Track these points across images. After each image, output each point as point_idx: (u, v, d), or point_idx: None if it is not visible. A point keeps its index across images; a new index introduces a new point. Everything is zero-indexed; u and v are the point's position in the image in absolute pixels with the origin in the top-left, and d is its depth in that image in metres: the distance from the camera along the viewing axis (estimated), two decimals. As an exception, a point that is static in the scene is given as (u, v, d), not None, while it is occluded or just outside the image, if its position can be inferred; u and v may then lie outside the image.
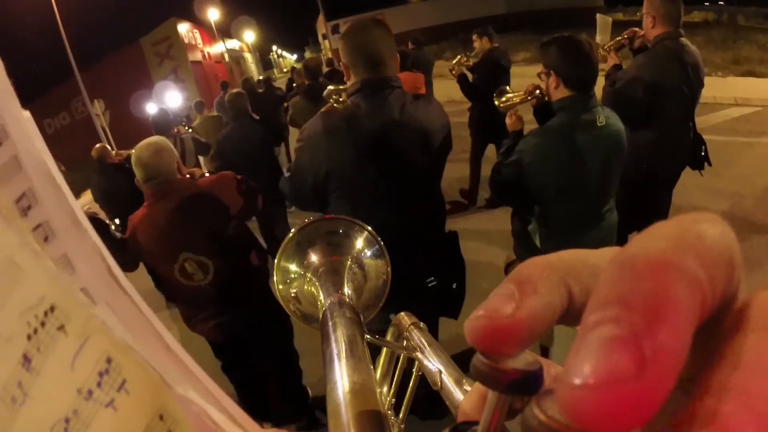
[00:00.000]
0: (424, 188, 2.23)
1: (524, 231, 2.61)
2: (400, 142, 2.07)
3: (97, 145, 5.47)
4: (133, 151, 2.59)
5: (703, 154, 3.38)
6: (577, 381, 0.15)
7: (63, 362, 0.22)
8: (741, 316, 0.17)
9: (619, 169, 2.43)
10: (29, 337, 0.21)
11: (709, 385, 0.16)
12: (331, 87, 4.31)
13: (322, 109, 2.21)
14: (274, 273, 0.59)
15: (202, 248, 2.53)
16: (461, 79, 5.57)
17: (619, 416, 0.15)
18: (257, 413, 2.91)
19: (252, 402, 2.97)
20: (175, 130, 5.82)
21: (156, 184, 2.51)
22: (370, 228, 0.61)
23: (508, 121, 2.58)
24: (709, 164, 3.43)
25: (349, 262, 0.59)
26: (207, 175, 2.91)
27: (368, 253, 0.60)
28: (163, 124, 5.57)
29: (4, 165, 0.23)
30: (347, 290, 0.54)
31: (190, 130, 7.10)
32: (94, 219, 2.94)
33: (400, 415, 0.51)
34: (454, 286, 2.34)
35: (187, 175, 2.72)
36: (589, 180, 2.34)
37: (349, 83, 2.15)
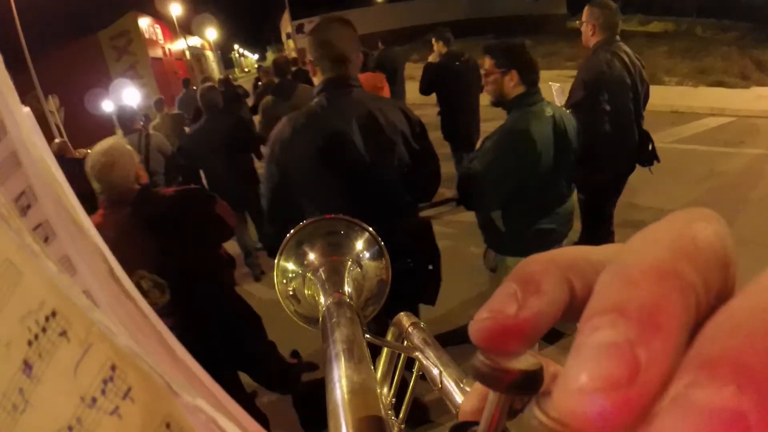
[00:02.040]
0: (386, 183, 2.27)
1: (488, 220, 2.78)
2: (363, 136, 2.15)
3: (56, 140, 5.34)
4: (86, 160, 2.38)
5: (651, 149, 3.56)
6: (574, 385, 0.16)
7: (65, 369, 0.22)
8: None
9: (570, 156, 2.68)
10: (30, 343, 0.21)
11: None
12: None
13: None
14: (274, 273, 0.59)
15: (157, 267, 2.31)
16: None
17: (614, 420, 0.15)
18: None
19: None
20: (141, 123, 5.70)
21: (109, 196, 2.32)
22: (370, 228, 0.61)
23: None
24: (658, 160, 3.60)
25: (349, 262, 0.59)
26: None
27: (368, 253, 0.60)
28: (127, 119, 5.45)
29: (2, 162, 0.22)
30: (347, 290, 0.54)
31: (143, 123, 6.97)
32: None
33: (400, 415, 0.51)
34: (430, 267, 2.42)
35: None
36: (546, 168, 2.57)
37: (316, 79, 2.23)
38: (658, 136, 7.44)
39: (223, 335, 2.61)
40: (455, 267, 3.69)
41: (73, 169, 5.22)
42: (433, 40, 5.92)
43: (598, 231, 3.69)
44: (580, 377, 0.16)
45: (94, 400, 0.22)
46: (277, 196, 2.20)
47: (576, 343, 0.17)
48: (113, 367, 0.22)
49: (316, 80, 2.23)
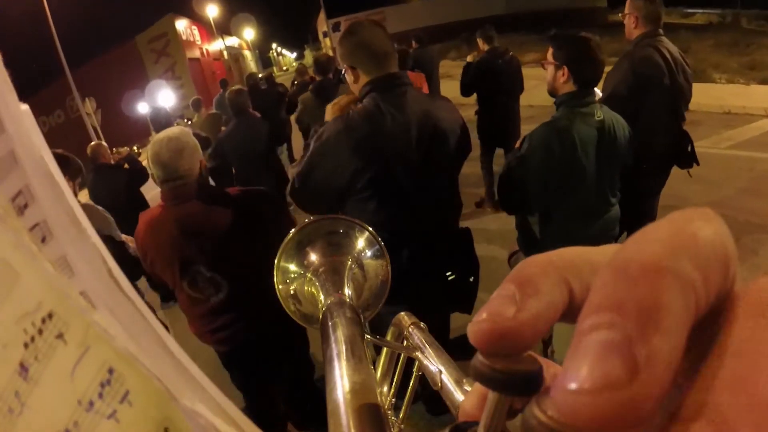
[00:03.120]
0: (445, 185, 2.24)
1: (525, 222, 2.73)
2: (423, 139, 2.07)
3: (92, 143, 5.42)
4: (150, 145, 2.30)
5: (690, 150, 3.44)
6: (573, 385, 0.16)
7: (62, 372, 0.22)
8: (734, 308, 0.18)
9: (618, 164, 2.57)
10: (26, 345, 0.21)
11: (703, 376, 0.17)
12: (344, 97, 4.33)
13: (331, 113, 2.27)
14: (274, 273, 0.60)
15: (216, 265, 2.28)
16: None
17: (615, 419, 0.15)
18: (270, 426, 2.81)
19: (264, 415, 2.79)
20: (175, 124, 5.78)
21: (174, 186, 2.23)
22: (370, 228, 0.62)
23: None
24: (697, 163, 3.48)
25: (349, 262, 0.59)
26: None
27: (368, 252, 0.61)
28: (161, 120, 5.54)
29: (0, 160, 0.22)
30: (347, 290, 0.54)
31: (190, 123, 7.02)
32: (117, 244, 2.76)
33: (400, 415, 0.52)
34: (472, 279, 2.38)
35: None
36: (588, 172, 2.47)
37: (357, 85, 2.13)
38: (713, 140, 7.27)
39: (274, 343, 2.56)
40: (489, 270, 3.66)
41: (108, 172, 5.25)
42: (478, 37, 5.87)
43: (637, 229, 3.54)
44: (579, 376, 0.16)
45: (91, 403, 0.22)
46: (323, 190, 2.11)
47: (574, 341, 0.17)
48: (111, 370, 0.22)
49: (359, 83, 2.11)
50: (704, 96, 9.38)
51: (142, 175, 5.39)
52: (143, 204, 5.12)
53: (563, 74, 2.45)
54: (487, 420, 0.22)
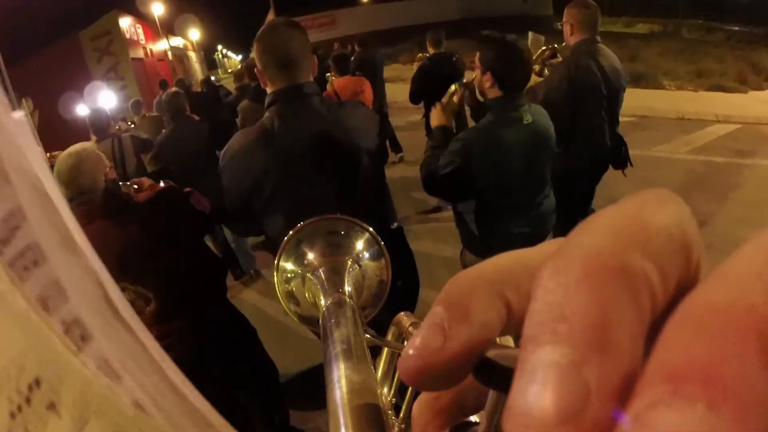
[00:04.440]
0: (352, 193, 2.20)
1: (462, 219, 2.83)
2: (319, 153, 2.05)
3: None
4: (56, 162, 2.29)
5: (623, 153, 3.68)
6: (522, 418, 0.14)
7: None
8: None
9: (548, 161, 2.71)
10: (13, 416, 0.18)
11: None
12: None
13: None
14: (274, 273, 0.60)
15: (139, 277, 2.25)
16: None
17: None
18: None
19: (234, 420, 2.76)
20: (117, 127, 5.65)
21: (80, 204, 2.20)
22: (370, 228, 0.62)
23: (433, 113, 2.89)
24: (631, 164, 3.72)
25: (348, 262, 0.60)
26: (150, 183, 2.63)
27: (368, 253, 0.62)
28: (101, 124, 5.39)
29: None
30: (347, 290, 0.55)
31: (132, 125, 6.88)
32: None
33: (401, 415, 0.51)
34: (401, 282, 2.34)
35: (134, 186, 2.47)
36: (518, 174, 2.59)
37: (268, 91, 2.12)
38: (672, 145, 7.61)
39: (218, 347, 2.53)
40: (440, 270, 3.73)
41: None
42: (427, 40, 5.94)
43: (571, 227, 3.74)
44: (529, 405, 0.14)
45: None
46: (240, 208, 2.14)
47: (521, 357, 0.15)
48: None
49: (268, 90, 2.12)
50: (658, 101, 9.88)
51: None
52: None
53: (488, 79, 2.52)
54: (487, 419, 0.22)
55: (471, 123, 3.24)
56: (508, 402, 0.15)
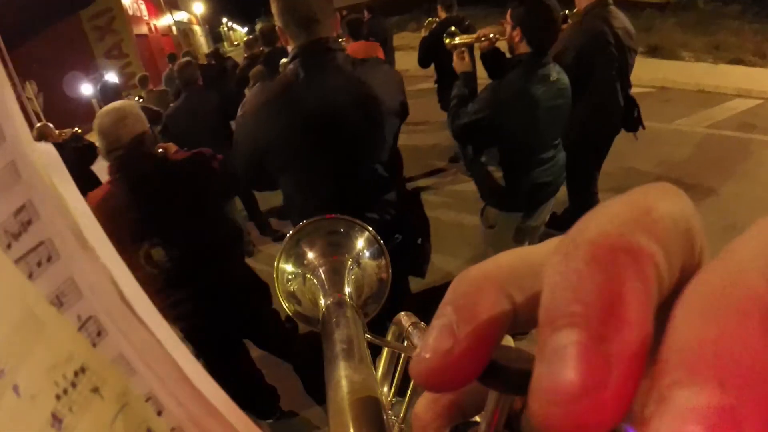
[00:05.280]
0: (374, 153, 2.20)
1: (485, 174, 2.95)
2: (343, 110, 2.03)
3: (38, 125, 5.28)
4: (95, 118, 2.31)
5: (636, 116, 3.70)
6: (546, 395, 0.15)
7: (101, 424, 0.21)
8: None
9: (565, 116, 2.81)
10: (58, 397, 0.20)
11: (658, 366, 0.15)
12: (283, 60, 4.27)
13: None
14: (274, 274, 0.60)
15: (171, 233, 2.32)
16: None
17: (593, 423, 0.15)
18: (249, 392, 2.91)
19: (239, 382, 2.85)
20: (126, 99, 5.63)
21: (118, 156, 2.24)
22: (370, 228, 0.62)
23: (456, 60, 2.95)
24: (643, 127, 3.75)
25: (348, 262, 0.59)
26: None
27: (368, 252, 0.61)
28: (111, 97, 5.39)
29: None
30: (347, 290, 0.55)
31: (141, 100, 6.88)
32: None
33: (401, 415, 0.52)
34: (420, 241, 2.39)
35: (160, 150, 2.49)
36: (543, 127, 2.71)
37: (289, 49, 2.08)
38: (691, 119, 7.38)
39: (233, 303, 2.62)
40: (448, 235, 3.73)
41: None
42: (438, 4, 5.85)
43: (582, 192, 3.90)
44: (551, 385, 0.15)
45: None
46: (251, 166, 2.13)
47: (540, 341, 0.16)
48: (149, 430, 0.21)
49: (290, 48, 2.06)
50: (676, 73, 9.60)
51: (90, 151, 5.29)
52: (96, 182, 5.04)
53: (517, 35, 2.60)
54: (487, 419, 0.22)
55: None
56: (531, 385, 0.16)
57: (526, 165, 2.80)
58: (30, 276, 0.20)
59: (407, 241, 2.32)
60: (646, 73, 8.72)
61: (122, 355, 0.22)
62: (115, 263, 0.23)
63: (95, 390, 0.21)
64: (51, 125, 5.39)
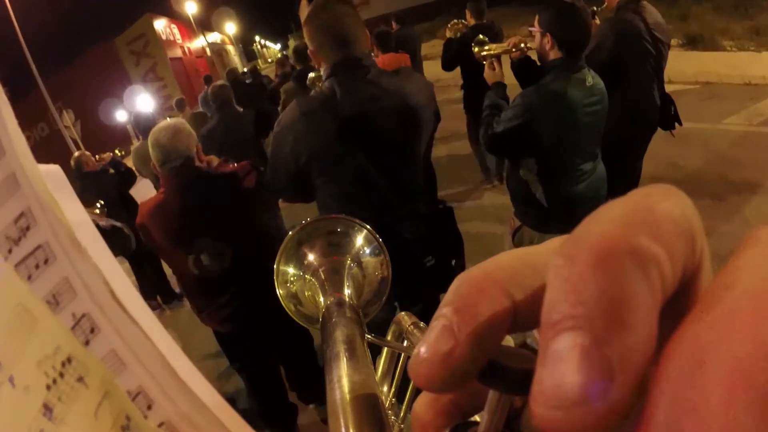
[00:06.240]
0: (410, 162, 2.20)
1: (524, 191, 2.82)
2: (380, 119, 2.04)
3: (75, 154, 5.44)
4: (150, 135, 2.53)
5: (672, 113, 3.58)
6: (549, 401, 0.15)
7: (87, 412, 0.22)
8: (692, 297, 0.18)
9: (603, 121, 2.69)
10: (48, 387, 0.22)
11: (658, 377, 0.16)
12: (312, 74, 4.30)
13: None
14: (274, 274, 0.60)
15: (220, 236, 2.48)
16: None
17: (596, 427, 0.15)
18: (276, 401, 2.99)
19: (270, 391, 2.98)
20: None
21: (172, 168, 2.44)
22: (368, 226, 0.62)
23: (487, 71, 2.86)
24: (680, 124, 3.62)
25: (348, 262, 0.59)
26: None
27: (367, 251, 0.61)
28: (146, 126, 5.52)
29: (1, 183, 0.22)
30: (347, 290, 0.55)
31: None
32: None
33: (401, 415, 0.52)
34: (453, 263, 2.36)
35: (205, 163, 2.66)
36: (580, 132, 2.59)
37: (322, 70, 2.11)
38: (742, 116, 6.79)
39: (272, 314, 2.67)
40: (477, 250, 3.68)
41: (94, 179, 5.36)
42: (467, 10, 5.81)
43: (621, 193, 3.69)
44: (553, 388, 0.15)
45: None
46: (289, 178, 2.15)
47: (541, 343, 0.16)
48: (128, 417, 0.23)
49: (322, 68, 2.10)
50: (721, 66, 8.89)
51: (129, 176, 5.51)
52: (135, 205, 5.19)
53: (548, 41, 2.50)
54: (487, 419, 0.22)
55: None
56: (533, 387, 0.16)
57: (566, 176, 2.70)
58: (29, 278, 0.22)
59: (440, 263, 2.30)
60: (688, 68, 8.22)
61: (114, 350, 0.23)
62: (107, 264, 0.24)
63: (80, 379, 0.22)
64: (88, 153, 5.56)
